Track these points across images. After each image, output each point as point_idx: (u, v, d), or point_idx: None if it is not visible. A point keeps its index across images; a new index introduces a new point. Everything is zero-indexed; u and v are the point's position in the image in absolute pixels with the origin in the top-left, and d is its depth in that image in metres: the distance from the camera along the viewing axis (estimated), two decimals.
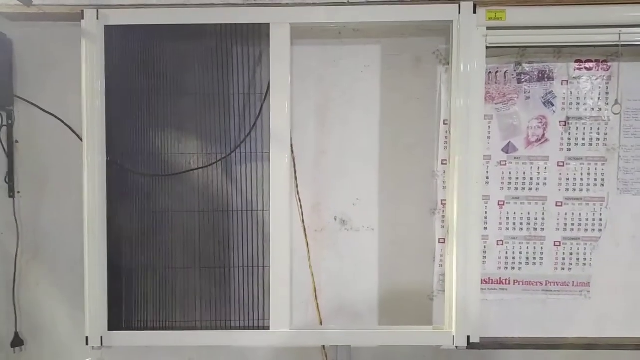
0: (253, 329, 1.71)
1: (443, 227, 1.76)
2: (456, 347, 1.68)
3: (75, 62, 1.66)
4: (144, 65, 1.70)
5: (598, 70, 1.71)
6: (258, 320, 1.72)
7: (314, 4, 1.65)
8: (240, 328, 1.72)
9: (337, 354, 1.76)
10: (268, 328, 1.69)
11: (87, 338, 1.67)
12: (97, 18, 1.64)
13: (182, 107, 1.71)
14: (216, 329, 1.72)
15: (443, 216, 1.76)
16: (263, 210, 1.72)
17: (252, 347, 1.82)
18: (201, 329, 1.72)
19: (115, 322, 1.70)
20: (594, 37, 1.63)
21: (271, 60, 1.65)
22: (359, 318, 1.79)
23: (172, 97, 1.71)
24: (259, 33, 1.68)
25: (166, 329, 1.73)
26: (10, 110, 1.78)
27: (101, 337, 1.67)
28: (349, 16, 1.65)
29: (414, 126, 1.76)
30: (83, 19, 1.64)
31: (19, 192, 1.80)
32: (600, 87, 1.71)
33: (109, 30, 1.66)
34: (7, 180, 1.79)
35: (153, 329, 1.72)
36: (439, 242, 1.78)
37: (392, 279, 1.79)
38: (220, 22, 1.66)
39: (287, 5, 1.66)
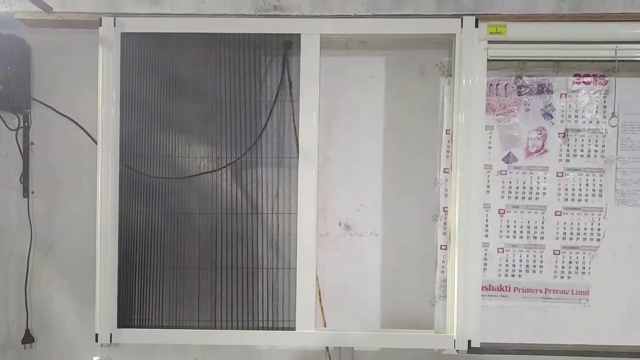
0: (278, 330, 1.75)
1: (445, 233, 1.80)
2: (457, 351, 1.70)
3: (90, 67, 1.72)
4: (158, 71, 1.76)
5: (596, 84, 1.76)
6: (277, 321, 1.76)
7: (322, 16, 1.72)
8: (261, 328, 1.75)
9: (340, 356, 1.79)
10: (294, 329, 1.72)
11: (96, 335, 1.70)
12: (114, 25, 1.70)
13: (201, 112, 1.76)
14: (234, 329, 1.75)
15: (445, 223, 1.80)
16: (281, 214, 1.76)
17: (261, 347, 1.85)
18: (221, 329, 1.74)
19: (125, 320, 1.73)
20: (592, 52, 1.69)
21: (301, 72, 1.70)
22: (362, 321, 1.82)
23: (185, 102, 1.76)
24: (270, 43, 1.74)
25: (177, 328, 1.75)
26: (26, 113, 1.83)
27: (110, 334, 1.70)
28: (357, 28, 1.71)
29: (417, 135, 1.81)
30: (101, 26, 1.70)
31: (33, 192, 1.84)
32: (598, 101, 1.76)
33: (125, 37, 1.72)
34: (22, 180, 1.83)
35: (163, 327, 1.75)
36: (441, 249, 1.81)
37: (394, 284, 1.82)
38: (244, 32, 1.72)
39: (302, 17, 1.73)
